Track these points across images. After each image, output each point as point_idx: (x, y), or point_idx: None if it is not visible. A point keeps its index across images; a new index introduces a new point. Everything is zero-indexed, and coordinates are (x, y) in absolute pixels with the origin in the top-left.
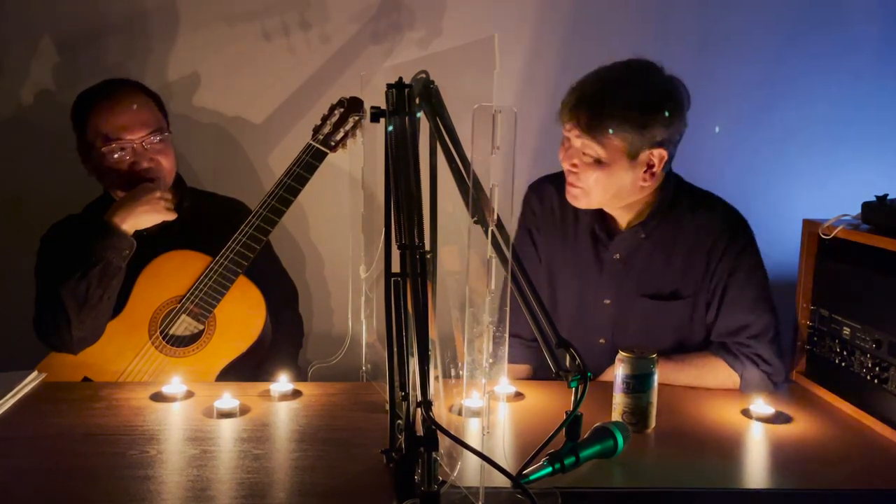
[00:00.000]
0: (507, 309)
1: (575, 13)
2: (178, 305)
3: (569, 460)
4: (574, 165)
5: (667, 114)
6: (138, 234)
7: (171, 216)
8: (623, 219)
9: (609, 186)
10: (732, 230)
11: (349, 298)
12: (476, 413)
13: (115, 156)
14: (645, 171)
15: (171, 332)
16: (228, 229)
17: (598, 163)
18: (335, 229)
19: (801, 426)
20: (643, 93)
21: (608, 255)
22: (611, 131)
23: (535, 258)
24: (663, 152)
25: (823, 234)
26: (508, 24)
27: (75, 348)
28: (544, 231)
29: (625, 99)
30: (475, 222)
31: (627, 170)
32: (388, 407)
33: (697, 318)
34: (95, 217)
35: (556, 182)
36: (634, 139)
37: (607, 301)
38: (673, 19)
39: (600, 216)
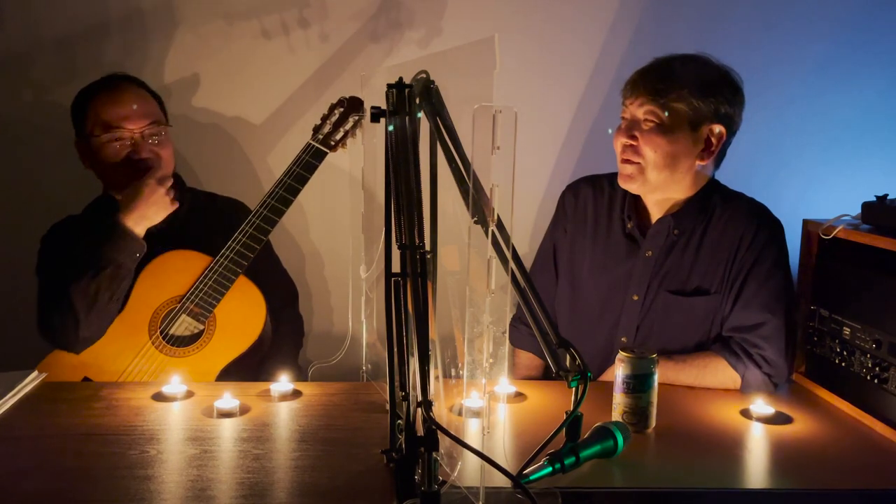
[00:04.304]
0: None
1: (574, 13)
2: (178, 305)
3: (569, 460)
4: (633, 138)
5: (730, 90)
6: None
7: (175, 206)
8: (658, 216)
9: (667, 158)
10: (759, 224)
11: (349, 298)
12: (476, 413)
13: (115, 145)
14: (703, 150)
15: (171, 331)
16: (228, 229)
17: (661, 128)
18: (335, 229)
19: (801, 426)
20: (708, 69)
21: (640, 253)
22: (675, 95)
23: (551, 260)
24: (723, 129)
25: (823, 234)
26: (509, 23)
27: (79, 347)
28: (574, 231)
29: (691, 69)
30: (475, 222)
31: (687, 141)
32: (388, 407)
33: (723, 314)
34: (101, 217)
35: (593, 183)
36: (699, 106)
37: (636, 297)
38: (666, 23)
39: (635, 213)
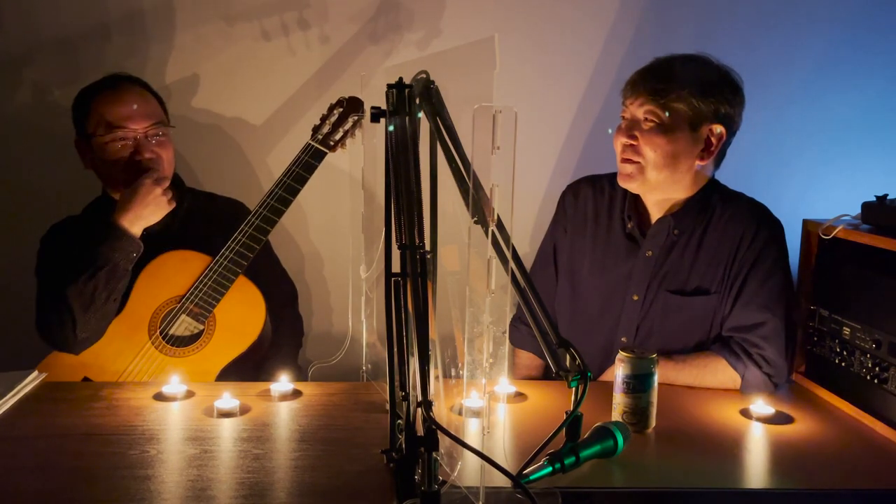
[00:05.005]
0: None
1: (574, 13)
2: (178, 305)
3: (569, 460)
4: (633, 137)
5: (730, 90)
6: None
7: (172, 206)
8: (658, 216)
9: (667, 158)
10: (759, 224)
11: (349, 298)
12: (476, 413)
13: (117, 145)
14: (703, 150)
15: (170, 332)
16: (228, 229)
17: (661, 128)
18: (335, 229)
19: (801, 426)
20: (708, 69)
21: (640, 253)
22: (676, 95)
23: (551, 260)
24: (723, 130)
25: (823, 234)
26: (509, 23)
27: (77, 348)
28: (574, 231)
29: (692, 70)
30: (475, 222)
31: (687, 140)
32: (388, 407)
33: (723, 314)
34: (100, 218)
35: (594, 183)
36: (699, 105)
37: (636, 297)
38: (667, 23)
39: (635, 213)
